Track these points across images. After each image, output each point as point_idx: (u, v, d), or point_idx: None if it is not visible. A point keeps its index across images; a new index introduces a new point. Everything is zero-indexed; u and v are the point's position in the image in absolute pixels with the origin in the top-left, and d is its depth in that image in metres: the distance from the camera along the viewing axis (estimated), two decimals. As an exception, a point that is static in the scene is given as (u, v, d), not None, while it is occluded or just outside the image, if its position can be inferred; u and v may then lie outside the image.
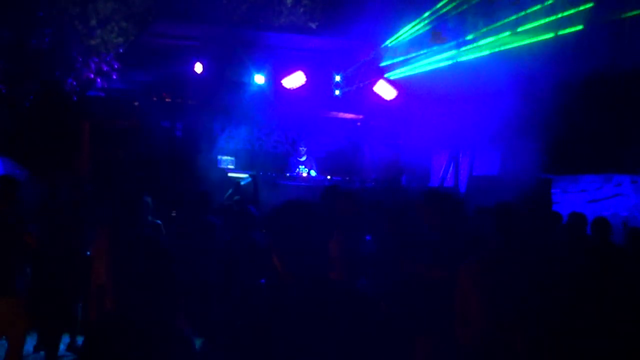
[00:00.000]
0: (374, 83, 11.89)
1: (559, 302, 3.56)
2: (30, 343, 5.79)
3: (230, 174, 10.49)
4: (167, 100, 11.57)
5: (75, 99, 10.29)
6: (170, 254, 2.15)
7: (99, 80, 10.44)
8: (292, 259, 2.05)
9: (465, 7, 9.80)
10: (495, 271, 3.35)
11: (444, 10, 9.99)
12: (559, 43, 9.21)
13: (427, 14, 10.26)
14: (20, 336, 4.61)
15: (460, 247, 3.79)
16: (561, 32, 9.03)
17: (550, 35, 9.19)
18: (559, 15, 9.18)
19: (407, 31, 10.52)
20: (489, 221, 3.42)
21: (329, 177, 10.90)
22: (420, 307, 3.76)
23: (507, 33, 9.96)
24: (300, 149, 11.26)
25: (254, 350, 1.93)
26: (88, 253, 5.91)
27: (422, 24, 10.35)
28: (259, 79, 11.37)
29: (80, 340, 6.02)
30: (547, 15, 9.30)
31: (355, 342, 1.97)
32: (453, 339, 3.42)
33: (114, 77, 10.52)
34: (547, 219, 5.56)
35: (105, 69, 10.30)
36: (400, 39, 10.71)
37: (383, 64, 11.47)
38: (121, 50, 10.40)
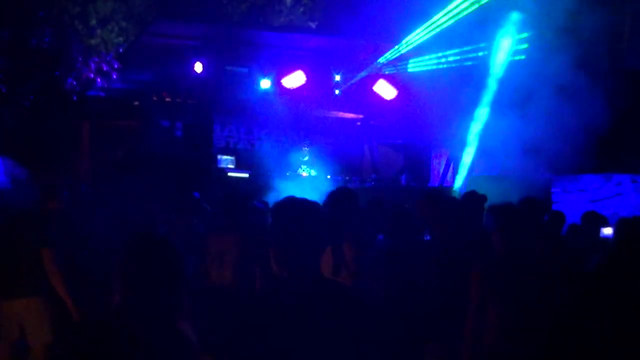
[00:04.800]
0: (374, 82, 11.89)
1: (571, 303, 3.53)
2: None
3: (230, 174, 10.50)
4: (167, 100, 11.56)
5: (75, 98, 10.30)
6: (180, 254, 2.13)
7: (99, 80, 10.44)
8: (288, 257, 2.05)
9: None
10: (508, 273, 3.30)
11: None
12: (559, 43, 9.21)
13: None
14: (44, 336, 4.57)
15: (459, 246, 3.78)
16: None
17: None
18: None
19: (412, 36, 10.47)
20: (492, 221, 3.40)
21: (328, 176, 10.91)
22: (427, 310, 3.71)
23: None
24: (303, 148, 11.30)
25: (248, 349, 1.93)
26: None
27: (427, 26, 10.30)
28: (265, 83, 11.33)
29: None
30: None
31: (349, 343, 1.97)
32: (463, 345, 3.36)
33: (114, 76, 10.53)
34: (551, 219, 5.55)
35: (105, 68, 10.31)
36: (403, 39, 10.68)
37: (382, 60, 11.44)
38: (121, 50, 10.40)
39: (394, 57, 11.01)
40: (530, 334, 3.23)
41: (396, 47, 10.79)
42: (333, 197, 4.02)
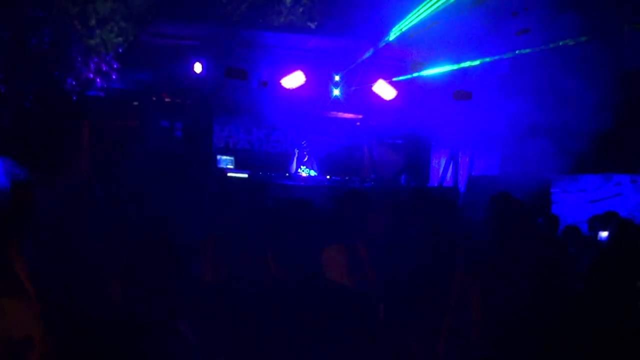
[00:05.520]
0: (374, 83, 11.89)
1: (559, 306, 3.53)
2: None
3: (229, 174, 10.50)
4: (166, 100, 11.57)
5: (74, 98, 10.30)
6: (179, 252, 2.14)
7: (98, 80, 10.44)
8: (286, 258, 2.06)
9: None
10: (493, 273, 3.29)
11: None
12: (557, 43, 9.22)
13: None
14: (36, 334, 4.57)
15: (448, 246, 3.80)
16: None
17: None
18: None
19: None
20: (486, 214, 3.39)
21: (328, 177, 10.91)
22: (415, 310, 3.73)
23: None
24: (302, 149, 11.30)
25: (247, 349, 1.93)
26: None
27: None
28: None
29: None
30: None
31: (347, 342, 1.97)
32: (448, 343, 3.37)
33: (114, 77, 10.52)
34: (545, 221, 5.57)
35: (104, 68, 10.30)
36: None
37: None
38: (121, 50, 10.40)
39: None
40: (517, 335, 3.23)
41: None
42: (346, 197, 4.06)
